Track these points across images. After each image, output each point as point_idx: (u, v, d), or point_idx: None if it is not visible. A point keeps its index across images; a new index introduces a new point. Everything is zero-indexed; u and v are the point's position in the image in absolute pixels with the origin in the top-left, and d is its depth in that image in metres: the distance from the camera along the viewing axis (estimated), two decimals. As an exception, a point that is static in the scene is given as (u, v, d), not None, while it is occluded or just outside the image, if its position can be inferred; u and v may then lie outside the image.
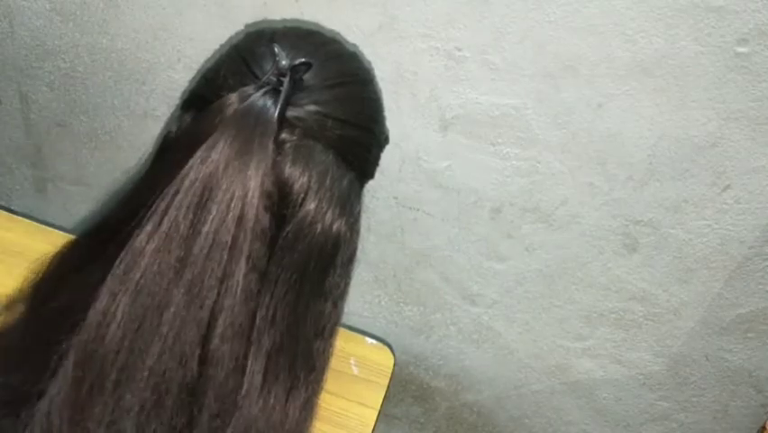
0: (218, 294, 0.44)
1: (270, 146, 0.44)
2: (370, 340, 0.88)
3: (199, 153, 0.44)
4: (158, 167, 0.50)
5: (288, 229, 0.46)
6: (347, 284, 0.55)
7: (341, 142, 0.49)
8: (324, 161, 0.48)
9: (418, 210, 0.83)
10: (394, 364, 0.86)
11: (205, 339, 0.44)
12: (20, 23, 0.86)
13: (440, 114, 0.73)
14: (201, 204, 0.43)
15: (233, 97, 0.46)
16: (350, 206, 0.51)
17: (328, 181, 0.48)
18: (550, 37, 0.64)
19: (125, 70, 0.85)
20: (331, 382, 0.84)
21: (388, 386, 0.84)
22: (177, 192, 0.43)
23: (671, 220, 0.73)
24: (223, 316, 0.44)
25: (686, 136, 0.67)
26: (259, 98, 0.45)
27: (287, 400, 0.50)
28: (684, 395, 0.88)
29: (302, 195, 0.46)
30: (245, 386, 0.47)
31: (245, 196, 0.43)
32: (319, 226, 0.47)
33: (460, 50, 0.68)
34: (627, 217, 0.74)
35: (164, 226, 0.43)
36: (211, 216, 0.43)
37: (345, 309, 1.02)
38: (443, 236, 0.84)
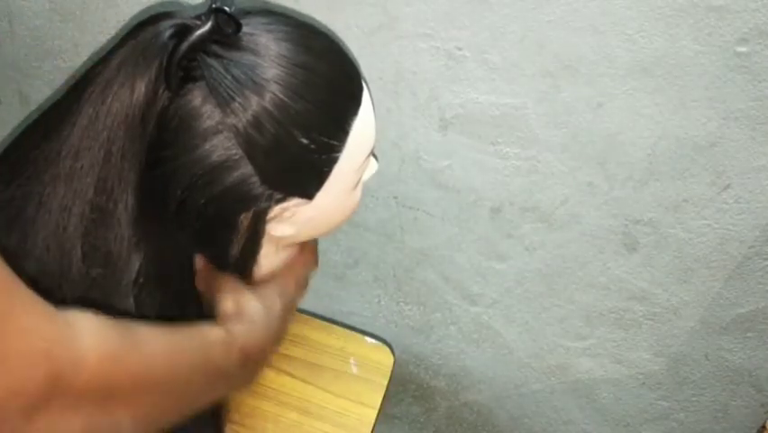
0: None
1: (153, 67, 0.48)
2: (369, 340, 0.88)
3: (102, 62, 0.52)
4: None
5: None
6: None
7: (245, 131, 0.49)
8: (211, 138, 0.49)
9: (418, 210, 0.83)
10: (394, 364, 0.86)
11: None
12: (20, 22, 0.86)
13: (440, 113, 0.73)
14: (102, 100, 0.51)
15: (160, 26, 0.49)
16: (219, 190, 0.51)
17: (197, 155, 0.50)
18: (550, 37, 0.64)
19: (125, 70, 0.85)
20: (331, 382, 0.85)
21: (388, 386, 0.84)
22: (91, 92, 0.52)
23: (671, 220, 0.73)
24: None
25: (686, 136, 0.67)
26: (169, 27, 0.48)
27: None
28: (684, 395, 0.88)
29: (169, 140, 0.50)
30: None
31: (131, 103, 0.49)
32: (170, 166, 0.51)
33: (460, 49, 0.68)
34: (627, 217, 0.74)
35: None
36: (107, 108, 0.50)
37: (345, 309, 1.02)
38: (443, 236, 0.84)
